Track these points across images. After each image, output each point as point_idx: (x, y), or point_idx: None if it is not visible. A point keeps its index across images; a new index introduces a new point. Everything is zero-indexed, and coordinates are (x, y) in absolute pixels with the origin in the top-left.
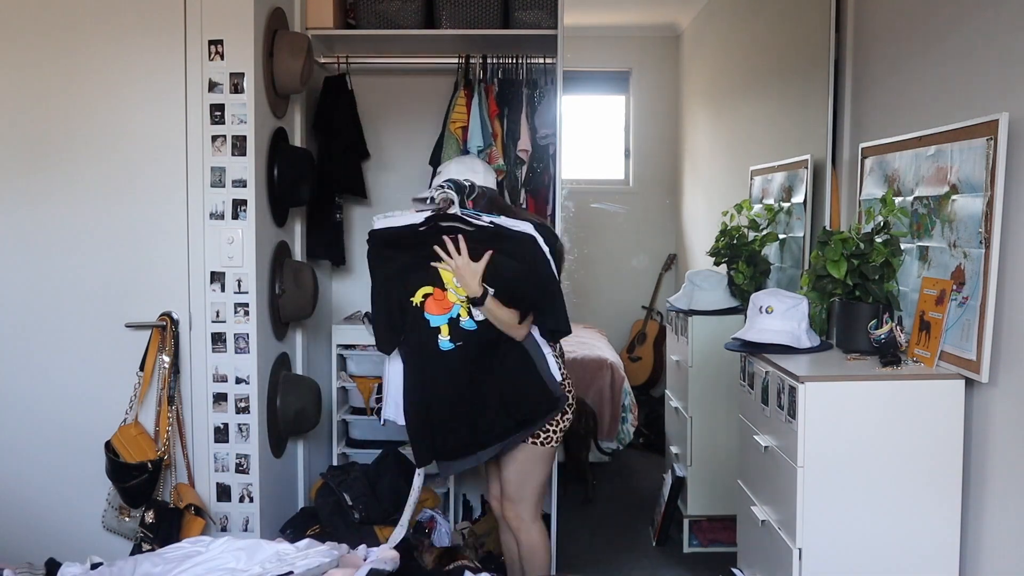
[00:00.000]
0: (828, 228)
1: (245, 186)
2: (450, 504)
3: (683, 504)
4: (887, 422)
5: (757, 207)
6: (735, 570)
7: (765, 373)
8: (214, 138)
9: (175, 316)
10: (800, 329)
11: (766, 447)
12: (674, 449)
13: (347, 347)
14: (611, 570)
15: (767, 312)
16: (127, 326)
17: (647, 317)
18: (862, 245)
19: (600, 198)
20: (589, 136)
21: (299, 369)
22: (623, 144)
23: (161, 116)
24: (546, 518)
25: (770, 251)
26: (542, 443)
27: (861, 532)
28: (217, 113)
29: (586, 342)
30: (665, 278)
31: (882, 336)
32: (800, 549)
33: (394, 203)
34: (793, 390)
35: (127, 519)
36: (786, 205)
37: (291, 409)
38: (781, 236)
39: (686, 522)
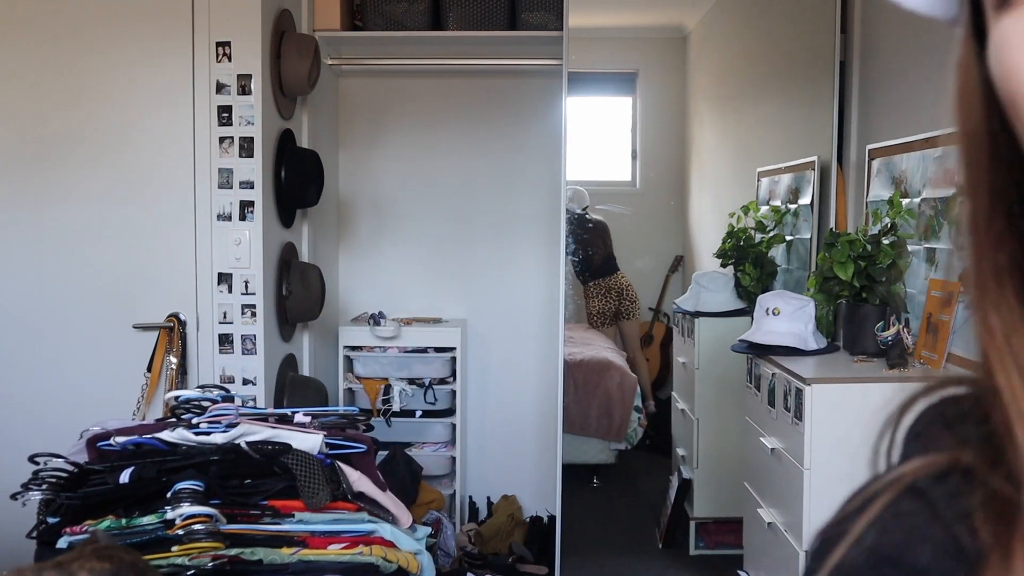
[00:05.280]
0: (835, 230)
1: (252, 187)
2: (456, 506)
3: (689, 506)
4: None
5: (764, 208)
6: (741, 572)
7: (771, 375)
8: (221, 139)
9: (182, 317)
10: (807, 331)
11: (772, 449)
12: (680, 451)
13: (354, 348)
14: (617, 572)
15: (774, 314)
16: (135, 327)
17: (653, 319)
18: (869, 247)
19: (606, 199)
20: (596, 137)
21: (306, 370)
22: (630, 145)
23: (168, 117)
24: (551, 519)
25: (777, 253)
26: None
27: None
28: (224, 115)
29: (591, 343)
30: (672, 280)
31: (889, 338)
32: (807, 552)
33: (403, 205)
34: (800, 392)
35: None
36: (793, 207)
37: None
38: (788, 238)
39: (692, 524)
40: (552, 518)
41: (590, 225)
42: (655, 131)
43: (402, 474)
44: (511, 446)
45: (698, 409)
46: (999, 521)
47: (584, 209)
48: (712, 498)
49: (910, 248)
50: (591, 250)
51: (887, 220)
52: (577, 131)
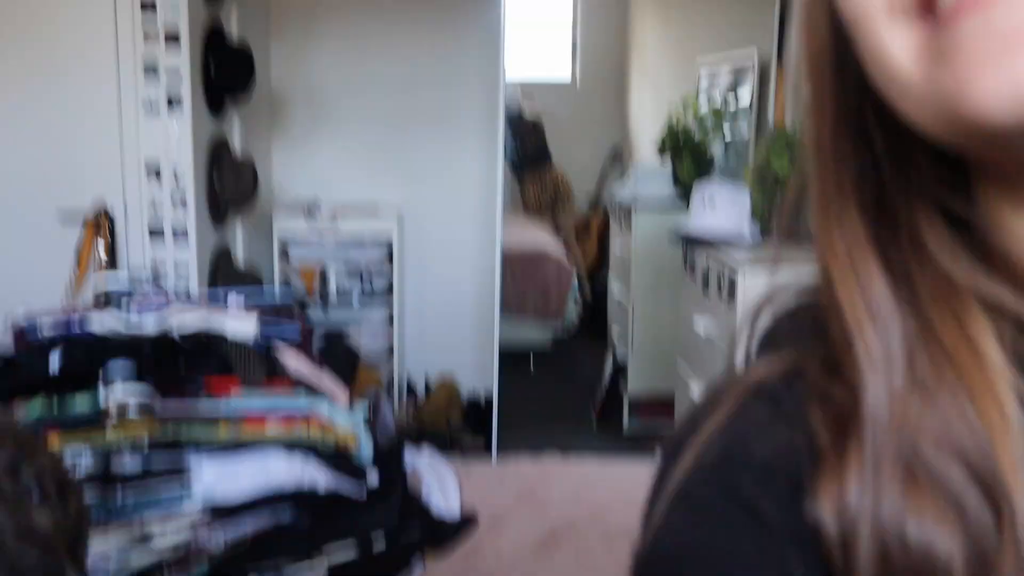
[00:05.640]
0: (773, 126)
1: (179, 77)
2: (394, 386)
3: (624, 386)
4: None
5: (703, 104)
6: None
7: (706, 263)
8: (146, 28)
9: (110, 210)
10: (742, 220)
11: (706, 330)
12: (616, 333)
13: (289, 239)
14: (551, 445)
15: (710, 204)
16: (61, 217)
17: (591, 209)
18: None
19: (545, 94)
20: (535, 32)
21: (240, 262)
22: (570, 39)
23: (89, 3)
24: (487, 403)
25: (715, 148)
26: None
27: None
28: (148, 1)
29: (528, 232)
30: (610, 170)
31: None
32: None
33: (339, 95)
34: (733, 278)
35: None
36: (731, 103)
37: None
38: (727, 135)
39: (626, 403)
40: (487, 401)
41: (525, 118)
42: (596, 23)
43: (340, 360)
44: (449, 328)
45: (634, 297)
46: (836, 427)
47: (519, 103)
48: (646, 378)
49: None
50: (525, 140)
51: None
52: (516, 25)
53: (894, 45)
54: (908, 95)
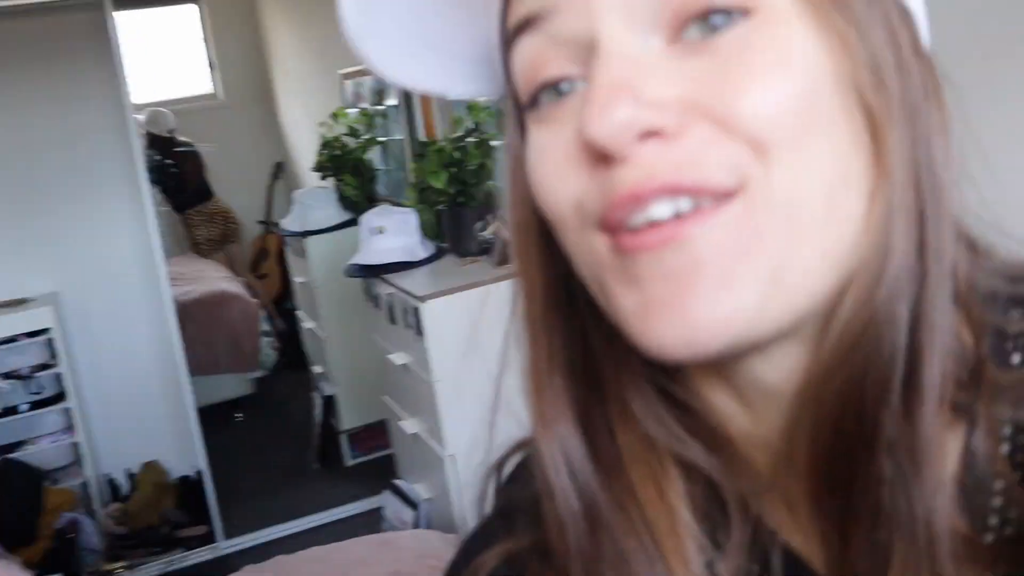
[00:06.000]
0: (424, 138)
1: None
2: (93, 491)
3: (337, 420)
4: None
5: (354, 112)
6: (397, 482)
7: (388, 294)
8: None
9: None
10: (414, 242)
11: (403, 364)
12: (317, 369)
13: None
14: (279, 505)
15: (379, 232)
16: None
17: (266, 231)
18: (456, 153)
19: (188, 118)
20: (166, 53)
21: None
22: (206, 55)
23: None
24: (199, 473)
25: (374, 156)
26: None
27: (506, 433)
28: None
29: (203, 276)
30: (275, 188)
31: (489, 236)
32: (452, 455)
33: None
34: (416, 309)
35: None
36: (381, 108)
37: None
38: (381, 139)
39: (343, 437)
40: (199, 472)
41: (179, 150)
42: (231, 36)
43: (18, 489)
44: (140, 410)
45: (325, 327)
46: None
47: (171, 132)
48: (356, 409)
49: (495, 144)
50: (183, 175)
51: (471, 123)
52: (140, 50)
53: (591, 251)
54: (602, 298)
